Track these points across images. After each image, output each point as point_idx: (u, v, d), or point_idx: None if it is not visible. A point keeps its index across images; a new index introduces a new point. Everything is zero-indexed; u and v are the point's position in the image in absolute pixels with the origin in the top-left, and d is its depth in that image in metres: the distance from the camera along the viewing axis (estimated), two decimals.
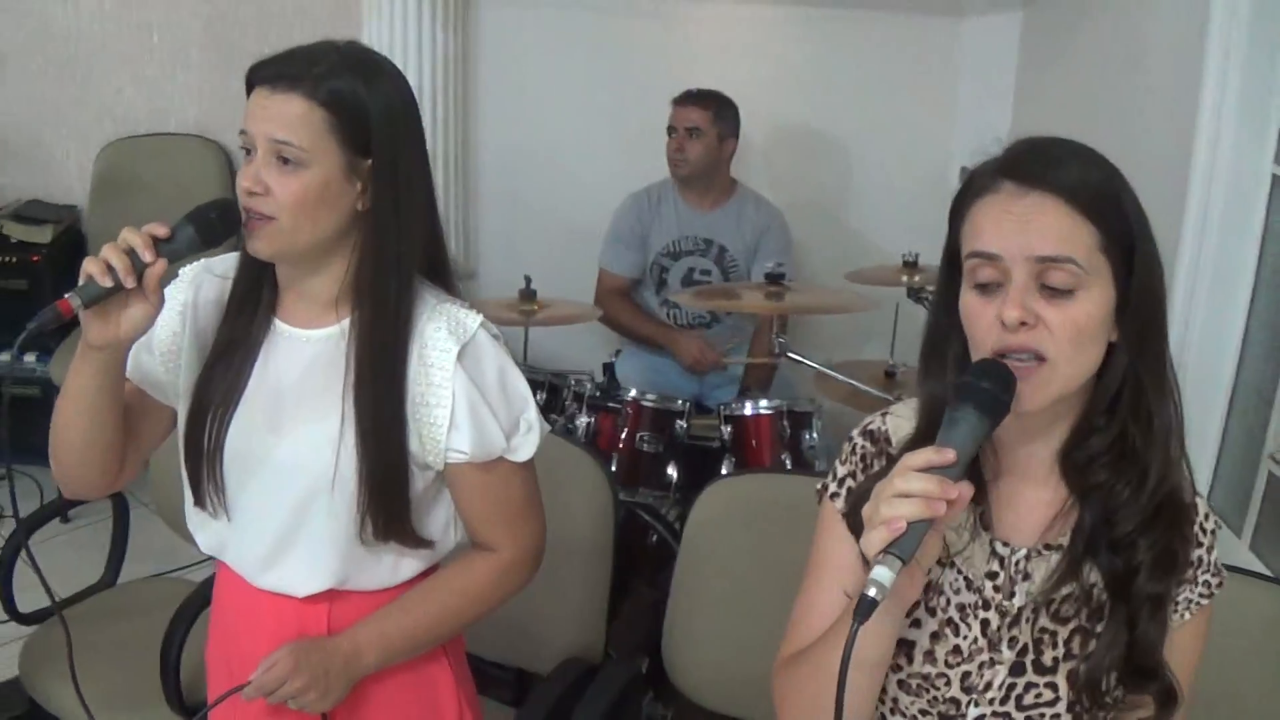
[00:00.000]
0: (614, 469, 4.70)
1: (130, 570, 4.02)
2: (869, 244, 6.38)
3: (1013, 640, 1.88)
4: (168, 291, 2.16)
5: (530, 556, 2.44)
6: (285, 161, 2.08)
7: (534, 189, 6.74)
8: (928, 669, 1.92)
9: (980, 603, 1.89)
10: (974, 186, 1.79)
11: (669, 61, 6.40)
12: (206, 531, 2.38)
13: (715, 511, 3.27)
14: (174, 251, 2.05)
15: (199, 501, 2.31)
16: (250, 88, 2.13)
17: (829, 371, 4.71)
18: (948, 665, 1.91)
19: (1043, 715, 1.88)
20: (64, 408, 2.18)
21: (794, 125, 6.53)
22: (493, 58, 6.64)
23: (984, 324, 1.75)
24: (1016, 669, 1.88)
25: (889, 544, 1.57)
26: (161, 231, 2.04)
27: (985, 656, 1.89)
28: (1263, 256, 3.59)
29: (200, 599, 3.14)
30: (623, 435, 4.80)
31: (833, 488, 2.04)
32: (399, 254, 2.19)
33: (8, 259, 6.30)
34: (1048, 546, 1.87)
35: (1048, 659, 1.87)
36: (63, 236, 6.52)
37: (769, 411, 4.75)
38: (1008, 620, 1.88)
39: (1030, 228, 1.70)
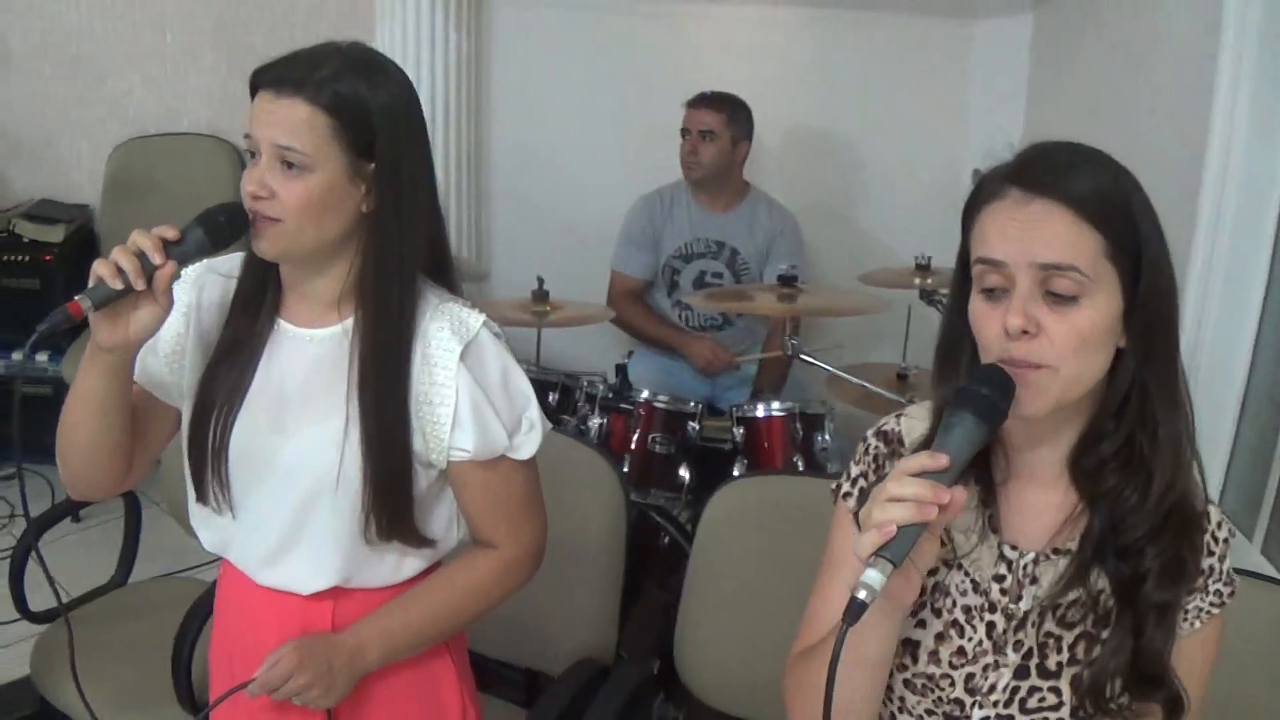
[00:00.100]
0: (626, 470, 4.70)
1: (141, 569, 4.02)
2: (881, 246, 6.38)
3: (1018, 644, 1.88)
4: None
5: (532, 554, 2.45)
6: (289, 166, 2.08)
7: (546, 190, 6.75)
8: (932, 669, 1.92)
9: (986, 605, 1.90)
10: (983, 192, 1.80)
11: (681, 63, 6.40)
12: (210, 529, 2.39)
13: (727, 513, 3.27)
14: (183, 254, 2.06)
15: (202, 498, 2.32)
16: (254, 91, 2.14)
17: (841, 373, 4.70)
18: (952, 666, 1.91)
19: (1046, 719, 1.88)
20: (72, 409, 2.19)
21: (806, 127, 6.53)
22: (505, 59, 6.65)
23: (990, 330, 1.76)
24: (1021, 672, 1.88)
25: (880, 547, 1.59)
26: (171, 234, 2.04)
27: (990, 659, 1.89)
28: (1275, 259, 3.58)
29: (211, 599, 3.14)
30: (635, 437, 4.79)
31: (845, 487, 2.06)
32: (402, 255, 2.20)
33: (20, 258, 6.31)
34: (1056, 551, 1.87)
35: (1052, 663, 1.87)
36: (75, 236, 6.53)
37: (781, 413, 4.75)
38: (1014, 623, 1.88)
39: (1034, 235, 1.70)
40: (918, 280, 5.00)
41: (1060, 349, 1.70)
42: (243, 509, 2.31)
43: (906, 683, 1.95)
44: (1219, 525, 1.90)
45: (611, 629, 3.37)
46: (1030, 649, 1.88)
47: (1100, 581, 1.83)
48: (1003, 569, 1.89)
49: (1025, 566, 1.88)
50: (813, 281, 5.60)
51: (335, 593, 2.32)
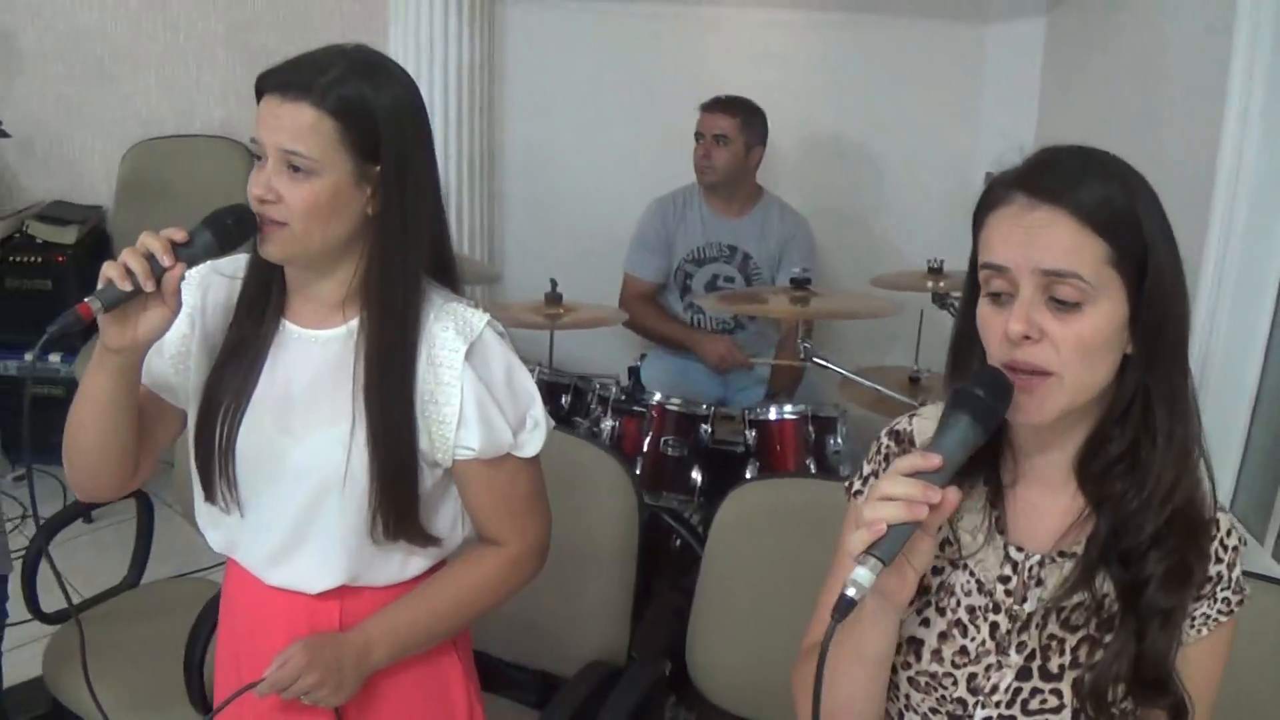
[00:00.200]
0: (638, 472, 4.70)
1: (154, 570, 4.03)
2: (894, 249, 6.38)
3: (1021, 645, 1.89)
4: None
5: (537, 550, 2.47)
6: (296, 170, 2.10)
7: (559, 192, 6.77)
8: (935, 668, 1.93)
9: (991, 606, 1.91)
10: (990, 196, 1.81)
11: (694, 66, 6.42)
12: (217, 529, 2.40)
13: (739, 516, 3.27)
14: (191, 256, 2.08)
15: (210, 498, 2.33)
16: (260, 94, 2.16)
17: (854, 377, 4.70)
18: (954, 665, 1.92)
19: None
20: (79, 411, 2.20)
21: (818, 130, 6.53)
22: (518, 61, 6.67)
23: (994, 334, 1.77)
24: (1023, 674, 1.88)
25: (870, 545, 1.61)
26: (180, 236, 2.06)
27: (993, 659, 1.90)
28: None
29: None
30: (647, 439, 4.78)
31: (857, 485, 2.10)
32: (406, 256, 2.21)
33: (33, 259, 6.33)
34: (1062, 554, 1.88)
35: (1054, 665, 1.87)
36: (88, 237, 6.55)
37: (794, 416, 4.74)
38: (1018, 625, 1.89)
39: (1037, 241, 1.71)
40: (930, 284, 5.01)
41: (1063, 355, 1.71)
42: (250, 509, 2.32)
43: (911, 680, 1.96)
44: (1228, 532, 1.89)
45: (623, 631, 3.38)
46: (1033, 651, 1.88)
47: (1105, 585, 1.83)
48: (1008, 570, 1.90)
49: (1031, 569, 1.89)
50: (825, 284, 5.60)
51: (342, 591, 2.33)
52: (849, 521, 2.07)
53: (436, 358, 2.22)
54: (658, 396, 4.83)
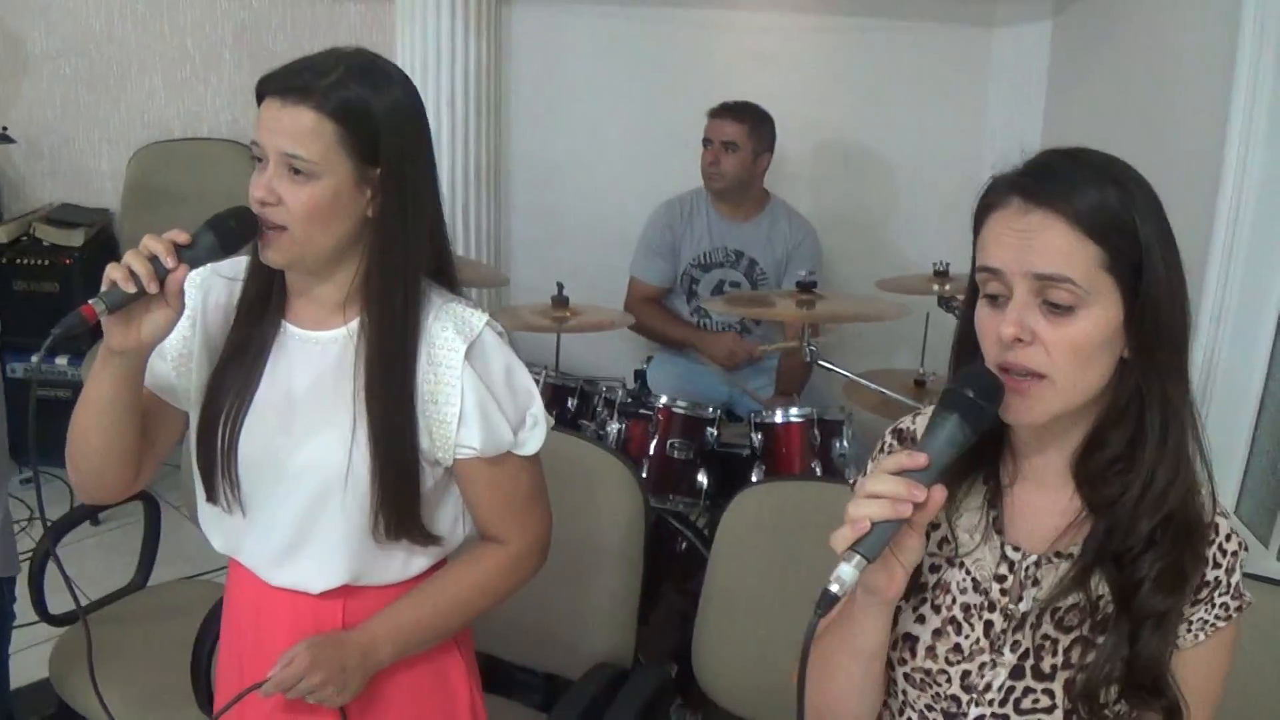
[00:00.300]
0: (645, 475, 4.68)
1: (161, 572, 4.04)
2: (900, 252, 6.37)
3: (1015, 644, 1.89)
4: None
5: (538, 548, 2.49)
6: (296, 173, 2.11)
7: (566, 196, 6.77)
8: (929, 664, 1.94)
9: (986, 604, 1.91)
10: (988, 199, 1.81)
11: (701, 70, 6.41)
12: (220, 531, 2.41)
13: (745, 519, 3.28)
14: (195, 258, 2.09)
15: (213, 499, 2.35)
16: (260, 98, 2.17)
17: (859, 379, 4.70)
18: (948, 662, 1.93)
19: None
20: (83, 413, 2.21)
21: (825, 133, 6.53)
22: (525, 66, 6.66)
23: (989, 336, 1.78)
24: (1016, 673, 1.89)
25: (854, 542, 1.63)
26: (183, 238, 2.07)
27: (986, 657, 1.90)
28: None
29: None
30: (654, 442, 4.78)
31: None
32: (406, 258, 2.23)
33: (40, 262, 6.35)
34: (1058, 554, 1.88)
35: (1046, 665, 1.88)
36: (95, 240, 6.58)
37: (799, 419, 4.74)
38: (1012, 624, 1.89)
39: (1031, 245, 1.71)
40: (936, 287, 5.00)
41: (1055, 358, 1.72)
42: (252, 510, 2.33)
43: (906, 676, 1.97)
44: (1228, 537, 1.88)
45: (629, 633, 3.38)
46: (1027, 650, 1.88)
47: (1101, 587, 1.83)
48: (1004, 569, 1.90)
49: (1027, 568, 1.89)
50: (831, 287, 5.60)
51: (345, 591, 2.34)
52: None
53: (437, 358, 2.23)
54: (664, 399, 4.83)
